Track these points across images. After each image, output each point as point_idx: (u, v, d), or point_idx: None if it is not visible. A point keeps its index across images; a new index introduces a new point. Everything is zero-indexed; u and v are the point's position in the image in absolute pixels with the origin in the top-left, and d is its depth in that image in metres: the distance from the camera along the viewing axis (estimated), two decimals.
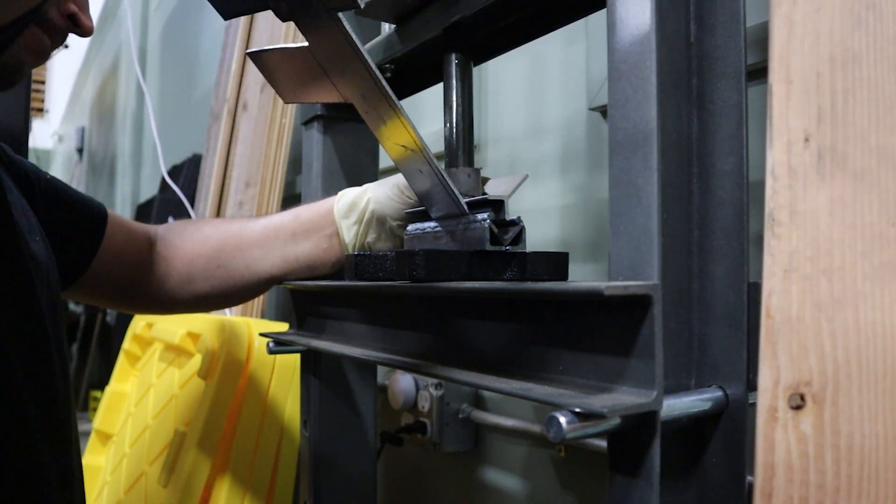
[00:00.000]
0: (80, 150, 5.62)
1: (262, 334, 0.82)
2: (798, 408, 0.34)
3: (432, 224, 0.62)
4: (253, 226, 0.76)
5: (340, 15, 0.44)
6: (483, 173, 0.65)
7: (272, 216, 0.77)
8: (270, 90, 1.49)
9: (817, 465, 0.34)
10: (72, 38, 0.62)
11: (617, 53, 0.44)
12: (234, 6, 0.41)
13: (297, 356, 0.99)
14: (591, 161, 0.93)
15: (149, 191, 3.12)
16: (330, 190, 0.83)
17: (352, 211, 0.72)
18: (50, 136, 7.72)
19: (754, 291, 0.43)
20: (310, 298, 0.79)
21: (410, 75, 0.79)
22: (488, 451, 1.09)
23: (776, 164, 0.37)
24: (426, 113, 1.19)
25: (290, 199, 1.53)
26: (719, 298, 0.44)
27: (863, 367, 0.33)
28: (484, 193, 0.62)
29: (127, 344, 1.47)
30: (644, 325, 0.40)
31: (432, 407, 1.07)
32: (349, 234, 0.72)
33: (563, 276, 0.55)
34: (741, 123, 0.44)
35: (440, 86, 0.67)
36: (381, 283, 0.59)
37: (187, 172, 2.11)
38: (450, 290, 0.53)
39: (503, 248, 0.55)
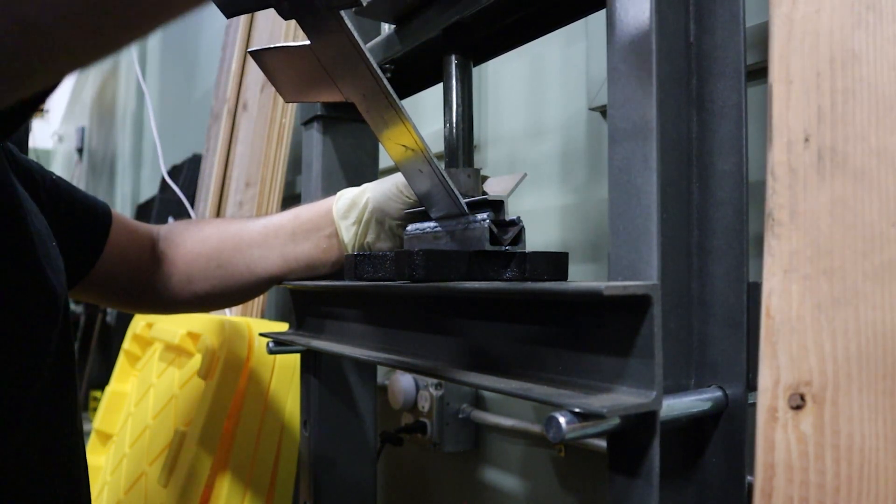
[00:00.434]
0: (80, 150, 5.62)
1: (262, 334, 0.82)
2: (798, 408, 0.34)
3: (432, 224, 0.62)
4: (252, 226, 0.77)
5: (342, 13, 0.44)
6: (482, 173, 0.65)
7: (272, 216, 0.77)
8: (270, 90, 1.49)
9: (817, 465, 0.34)
10: None
11: (617, 53, 0.44)
12: (236, 4, 0.41)
13: (297, 356, 0.99)
14: (590, 161, 0.93)
15: (149, 191, 3.12)
16: (330, 190, 0.83)
17: (350, 211, 0.72)
18: (50, 136, 7.72)
19: (754, 291, 0.43)
20: (309, 298, 0.79)
21: (410, 75, 0.79)
22: (488, 451, 1.09)
23: (776, 164, 0.37)
24: (426, 113, 1.19)
25: (290, 199, 1.53)
26: (719, 298, 0.44)
27: (863, 367, 0.33)
28: (484, 193, 0.62)
29: (127, 344, 1.47)
30: (644, 325, 0.40)
31: (432, 407, 1.07)
32: (348, 234, 0.72)
33: (563, 276, 0.55)
34: (741, 123, 0.44)
35: (440, 86, 0.67)
36: (381, 283, 0.59)
37: (187, 172, 2.11)
38: (449, 290, 0.53)
39: (503, 248, 0.55)
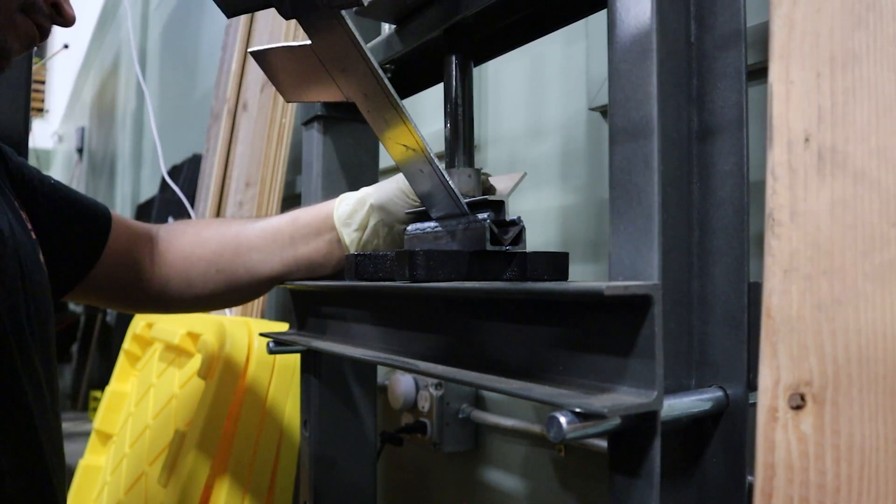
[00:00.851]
0: (80, 150, 5.62)
1: (262, 334, 0.82)
2: (798, 408, 0.35)
3: (432, 224, 0.62)
4: (251, 229, 0.76)
5: (343, 13, 0.44)
6: (483, 172, 0.65)
7: (270, 219, 0.77)
8: (270, 90, 1.49)
9: (817, 465, 0.34)
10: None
11: (617, 53, 0.44)
12: (237, 4, 0.41)
13: (297, 356, 0.99)
14: (591, 161, 0.93)
15: (149, 191, 3.12)
16: (330, 190, 0.83)
17: (353, 217, 0.71)
18: (50, 136, 7.72)
19: (754, 291, 0.43)
20: (310, 298, 0.79)
21: (410, 75, 0.79)
22: (488, 451, 1.09)
23: (776, 164, 0.37)
24: (426, 113, 1.19)
25: (290, 199, 1.53)
26: (719, 298, 0.44)
27: (863, 367, 0.33)
28: (484, 193, 0.62)
29: (127, 344, 1.47)
30: (644, 325, 0.40)
31: (432, 407, 1.07)
32: (351, 239, 0.72)
33: (564, 276, 0.55)
34: (741, 123, 0.44)
35: (440, 86, 0.67)
36: (381, 283, 0.59)
37: (187, 172, 2.11)
38: (450, 290, 0.53)
39: (503, 248, 0.55)
